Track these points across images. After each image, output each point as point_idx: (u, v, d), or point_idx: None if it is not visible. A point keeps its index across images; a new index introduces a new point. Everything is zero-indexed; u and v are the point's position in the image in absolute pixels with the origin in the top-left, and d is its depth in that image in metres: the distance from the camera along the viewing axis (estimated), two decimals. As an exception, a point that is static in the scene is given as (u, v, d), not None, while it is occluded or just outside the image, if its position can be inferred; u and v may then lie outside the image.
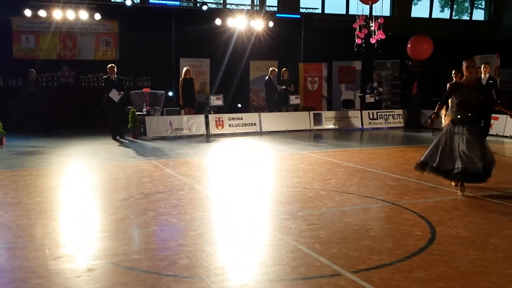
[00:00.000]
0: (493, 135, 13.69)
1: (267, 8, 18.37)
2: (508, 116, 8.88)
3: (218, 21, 16.71)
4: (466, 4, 24.94)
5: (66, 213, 6.39)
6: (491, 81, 11.17)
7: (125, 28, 16.51)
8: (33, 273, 4.31)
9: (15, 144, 12.31)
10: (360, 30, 15.69)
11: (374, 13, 16.17)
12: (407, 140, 14.34)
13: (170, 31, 16.97)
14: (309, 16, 18.93)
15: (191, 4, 18.48)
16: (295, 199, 7.03)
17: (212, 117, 14.96)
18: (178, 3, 17.60)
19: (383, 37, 15.74)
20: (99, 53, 16.77)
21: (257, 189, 7.96)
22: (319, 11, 20.03)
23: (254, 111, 17.13)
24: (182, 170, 9.26)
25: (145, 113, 14.28)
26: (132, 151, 11.65)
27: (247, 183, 8.40)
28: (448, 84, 8.17)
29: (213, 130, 14.75)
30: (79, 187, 7.92)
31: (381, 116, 17.06)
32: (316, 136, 15.28)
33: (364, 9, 15.89)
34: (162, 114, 15.15)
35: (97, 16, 15.75)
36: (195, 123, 14.56)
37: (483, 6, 24.54)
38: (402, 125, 17.10)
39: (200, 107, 15.75)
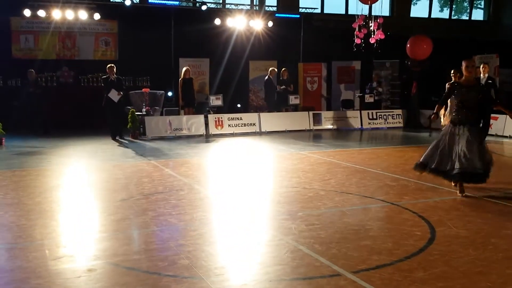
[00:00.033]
0: (492, 135, 13.72)
1: (266, 8, 18.37)
2: (507, 116, 8.90)
3: (217, 21, 16.71)
4: (465, 4, 24.96)
5: (66, 214, 6.39)
6: (490, 81, 11.19)
7: (124, 28, 16.51)
8: (33, 274, 4.31)
9: (14, 144, 12.31)
10: (359, 30, 15.70)
11: (373, 13, 16.20)
12: (407, 140, 14.35)
13: (170, 31, 16.96)
14: (309, 16, 18.92)
15: (191, 4, 18.47)
16: (294, 199, 7.03)
17: (211, 117, 14.96)
18: (177, 3, 17.58)
19: (383, 37, 15.76)
20: (98, 53, 16.77)
21: (257, 189, 7.96)
22: (319, 11, 20.03)
23: (254, 111, 17.13)
24: (181, 170, 9.27)
25: (144, 113, 14.27)
26: (131, 151, 11.65)
27: (246, 183, 8.40)
28: (447, 84, 8.17)
29: (213, 130, 14.75)
30: (78, 188, 7.92)
31: (380, 116, 17.07)
32: (315, 136, 15.28)
33: (363, 9, 15.94)
34: (161, 114, 15.15)
35: (97, 16, 15.74)
36: (194, 123, 14.56)
37: (482, 6, 24.56)
38: (401, 125, 17.12)
39: (199, 107, 15.75)
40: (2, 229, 5.65)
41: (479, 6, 24.64)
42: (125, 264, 4.54)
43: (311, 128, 16.10)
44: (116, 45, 16.83)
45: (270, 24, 17.24)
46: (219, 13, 17.15)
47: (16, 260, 4.68)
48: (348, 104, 18.46)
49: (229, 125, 15.03)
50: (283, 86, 16.30)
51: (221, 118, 15.02)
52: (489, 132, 12.46)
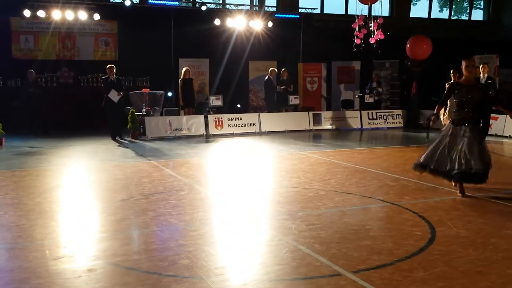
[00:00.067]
0: (492, 135, 13.71)
1: (266, 8, 18.38)
2: (507, 116, 8.90)
3: (217, 21, 16.72)
4: (465, 4, 24.96)
5: (66, 214, 6.39)
6: (489, 81, 11.19)
7: (124, 28, 16.51)
8: (33, 274, 4.31)
9: (14, 145, 12.31)
10: (359, 30, 15.69)
11: (373, 13, 16.18)
12: (407, 140, 14.35)
13: (169, 31, 16.97)
14: (308, 16, 18.93)
15: (190, 4, 18.47)
16: (294, 199, 7.03)
17: (211, 117, 14.96)
18: (177, 3, 17.59)
19: (382, 37, 15.75)
20: (98, 54, 16.76)
21: (257, 189, 7.97)
22: (318, 11, 20.03)
23: (254, 111, 17.13)
24: (181, 170, 9.27)
25: (144, 113, 14.27)
26: (131, 152, 11.65)
27: (246, 183, 8.40)
28: (447, 84, 8.17)
29: (213, 130, 14.75)
30: (78, 188, 7.92)
31: (380, 116, 17.07)
32: (315, 136, 15.28)
33: (363, 9, 15.92)
34: (161, 115, 15.15)
35: (96, 17, 15.75)
36: (194, 123, 14.57)
37: (482, 6, 24.56)
38: (401, 125, 17.12)
39: (199, 108, 15.75)
40: (2, 229, 5.66)
41: (478, 6, 24.65)
42: (125, 264, 4.54)
43: (311, 128, 16.11)
44: (116, 45, 16.83)
45: (270, 24, 17.25)
46: (219, 14, 17.15)
47: (16, 260, 4.68)
48: (348, 104, 18.47)
49: (229, 125, 15.03)
50: (283, 86, 16.30)
51: (221, 118, 15.02)
52: (489, 132, 12.45)
